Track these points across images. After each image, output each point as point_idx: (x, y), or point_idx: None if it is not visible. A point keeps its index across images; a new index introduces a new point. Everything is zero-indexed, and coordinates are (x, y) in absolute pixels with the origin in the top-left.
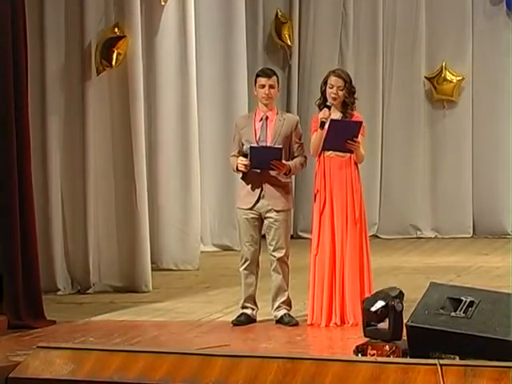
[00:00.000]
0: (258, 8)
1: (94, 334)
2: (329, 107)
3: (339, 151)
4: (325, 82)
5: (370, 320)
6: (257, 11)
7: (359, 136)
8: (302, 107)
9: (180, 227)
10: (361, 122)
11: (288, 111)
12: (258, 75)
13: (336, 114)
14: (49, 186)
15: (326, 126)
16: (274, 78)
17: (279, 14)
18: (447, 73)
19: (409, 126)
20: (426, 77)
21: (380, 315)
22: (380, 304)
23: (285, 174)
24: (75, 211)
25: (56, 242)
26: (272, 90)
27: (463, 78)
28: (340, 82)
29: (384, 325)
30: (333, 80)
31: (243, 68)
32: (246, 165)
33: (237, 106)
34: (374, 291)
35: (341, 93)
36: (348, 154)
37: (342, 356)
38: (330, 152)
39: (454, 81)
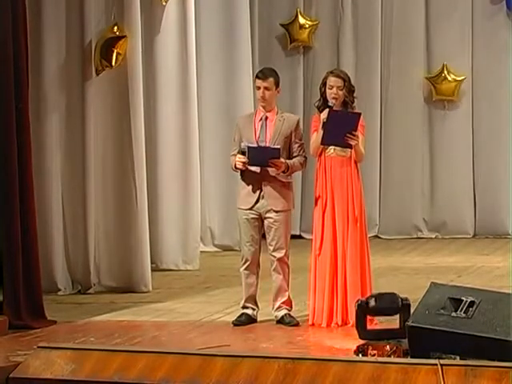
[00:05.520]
0: (261, 7)
1: (95, 334)
2: (330, 107)
3: (338, 146)
4: (323, 84)
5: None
6: (260, 10)
7: (359, 135)
8: (307, 107)
9: (180, 227)
10: (359, 114)
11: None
12: (256, 76)
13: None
14: (49, 187)
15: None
16: (271, 79)
17: (300, 14)
18: (448, 73)
19: (409, 126)
20: (426, 77)
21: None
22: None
23: (283, 172)
24: (75, 211)
25: (56, 242)
26: (267, 92)
27: (464, 78)
28: (339, 82)
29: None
30: (332, 80)
31: (248, 68)
32: (243, 162)
33: (239, 106)
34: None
35: (341, 92)
36: (348, 153)
37: (343, 356)
38: (331, 152)
39: (455, 81)
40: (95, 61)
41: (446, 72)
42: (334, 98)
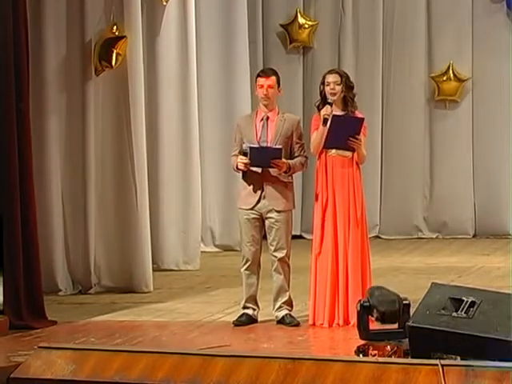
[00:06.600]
0: (261, 7)
1: (95, 334)
2: (330, 104)
3: (341, 149)
4: (322, 83)
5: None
6: (260, 10)
7: (361, 135)
8: (306, 107)
9: (181, 227)
10: (362, 119)
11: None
12: (257, 75)
13: (338, 113)
14: (49, 187)
15: (328, 124)
16: (273, 77)
17: (299, 14)
18: (453, 72)
19: (409, 126)
20: (431, 76)
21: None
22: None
23: (285, 172)
24: (75, 211)
25: (57, 242)
26: (270, 90)
27: (469, 78)
28: (336, 78)
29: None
30: (329, 77)
31: (245, 68)
32: (245, 163)
33: (238, 106)
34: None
35: (338, 87)
36: (350, 154)
37: (344, 356)
38: (333, 152)
39: (460, 80)
40: (94, 61)
41: (451, 71)
42: (332, 94)
